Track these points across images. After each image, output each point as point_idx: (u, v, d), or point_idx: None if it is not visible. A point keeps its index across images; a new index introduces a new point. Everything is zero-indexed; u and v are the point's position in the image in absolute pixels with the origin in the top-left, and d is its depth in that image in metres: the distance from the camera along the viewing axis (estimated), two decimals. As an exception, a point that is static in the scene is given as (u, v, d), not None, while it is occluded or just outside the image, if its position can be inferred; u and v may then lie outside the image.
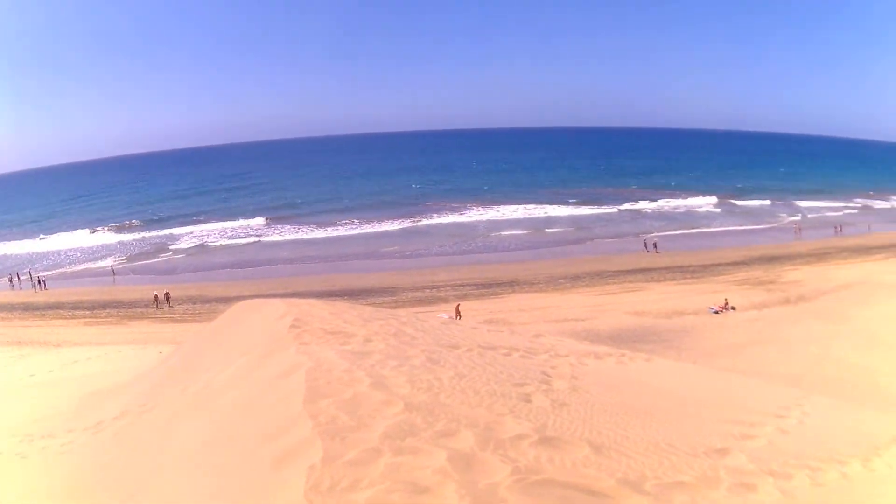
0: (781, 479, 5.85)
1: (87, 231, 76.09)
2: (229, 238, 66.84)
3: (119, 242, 68.75)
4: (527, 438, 5.09)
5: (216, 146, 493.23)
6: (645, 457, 5.50)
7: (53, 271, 55.79)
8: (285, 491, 3.83)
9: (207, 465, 5.29)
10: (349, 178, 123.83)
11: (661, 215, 75.72)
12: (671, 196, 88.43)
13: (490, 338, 10.81)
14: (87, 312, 38.86)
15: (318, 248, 59.38)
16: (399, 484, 3.84)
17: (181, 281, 48.17)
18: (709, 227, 67.95)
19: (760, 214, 75.98)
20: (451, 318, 25.61)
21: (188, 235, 68.97)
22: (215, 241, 65.75)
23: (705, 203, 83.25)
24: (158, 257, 59.72)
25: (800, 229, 64.61)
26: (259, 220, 74.54)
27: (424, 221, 71.69)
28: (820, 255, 49.29)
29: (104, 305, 40.68)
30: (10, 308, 41.46)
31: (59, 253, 65.38)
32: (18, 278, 51.92)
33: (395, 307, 33.31)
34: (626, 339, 25.47)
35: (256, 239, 65.65)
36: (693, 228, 66.73)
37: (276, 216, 76.66)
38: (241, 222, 74.26)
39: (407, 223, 70.30)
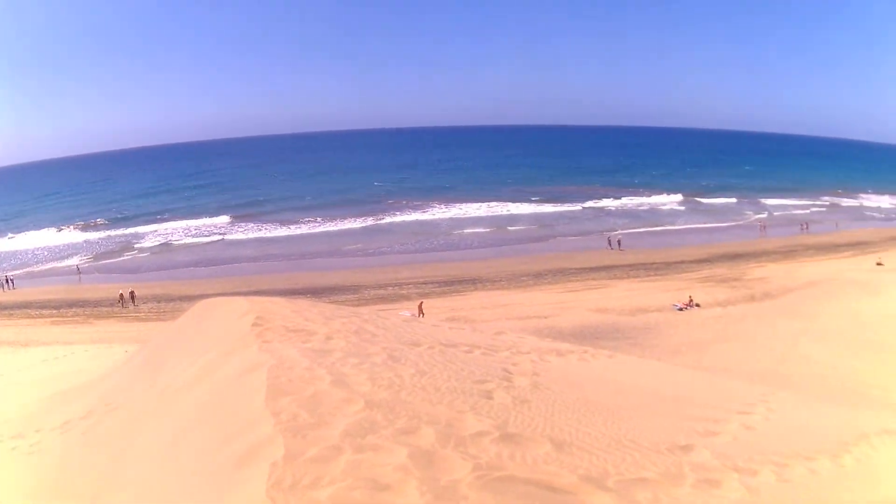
0: (746, 475, 5.90)
1: (54, 230, 76.68)
2: (193, 236, 67.43)
3: (85, 241, 69.49)
4: (488, 435, 5.09)
5: (186, 143, 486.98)
6: (607, 453, 5.52)
7: (21, 270, 56.17)
8: (248, 489, 3.85)
9: (172, 463, 5.36)
10: (313, 175, 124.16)
11: (625, 213, 76.92)
12: (635, 194, 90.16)
13: (451, 335, 10.81)
14: (55, 311, 39.58)
15: (282, 246, 60.00)
16: (360, 481, 3.86)
17: (146, 279, 48.78)
18: (673, 224, 69.34)
19: (726, 212, 77.69)
20: (413, 315, 25.63)
21: (153, 234, 69.73)
22: (179, 239, 66.41)
23: (670, 201, 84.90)
24: (123, 256, 60.35)
25: (765, 227, 66.06)
26: (223, 219, 74.98)
27: (387, 219, 72.16)
28: (786, 253, 50.48)
29: (71, 304, 41.22)
30: (-21, 309, 41.43)
31: (26, 252, 66.06)
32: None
33: (358, 305, 33.22)
34: (589, 336, 25.71)
35: (220, 237, 66.33)
36: (657, 226, 67.95)
37: (241, 214, 77.13)
38: (206, 220, 74.72)
39: (370, 221, 70.80)
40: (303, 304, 11.94)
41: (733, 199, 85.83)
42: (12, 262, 60.47)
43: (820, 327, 26.06)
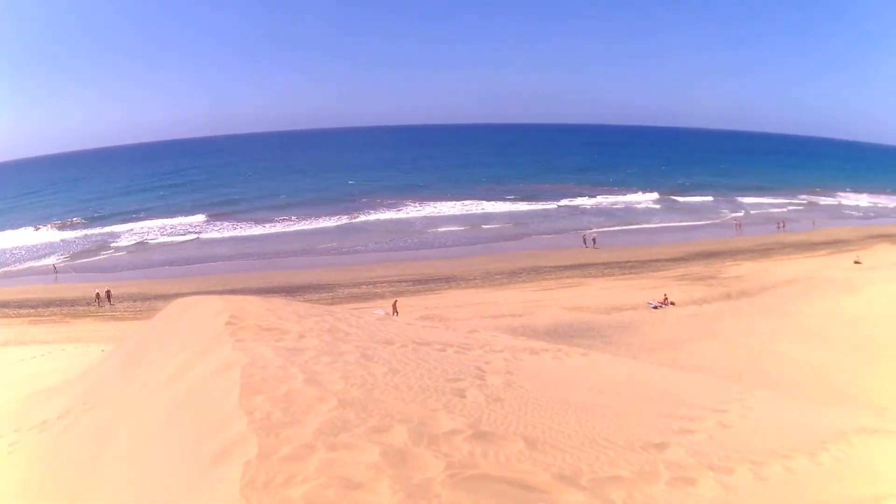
0: (722, 473, 5.95)
1: (31, 229, 76.04)
2: (169, 235, 67.19)
3: (62, 240, 68.86)
4: (461, 434, 5.12)
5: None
6: (581, 451, 5.55)
7: (-1, 270, 56.02)
8: (222, 487, 3.88)
9: (148, 462, 5.46)
10: (288, 174, 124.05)
11: (600, 211, 77.33)
12: (610, 192, 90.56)
13: (425, 334, 10.83)
14: (32, 311, 39.48)
15: (257, 244, 60.10)
16: (333, 479, 3.91)
17: (122, 279, 48.51)
18: (648, 223, 69.84)
19: (702, 211, 78.42)
20: (387, 314, 25.62)
21: (129, 233, 69.40)
22: (155, 238, 66.17)
23: (645, 199, 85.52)
24: (100, 255, 60.00)
25: (740, 225, 66.84)
26: (199, 217, 74.55)
27: (361, 218, 72.16)
28: (762, 251, 51.05)
29: (48, 304, 41.19)
30: (-43, 309, 41.31)
31: (3, 251, 65.32)
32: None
33: (332, 304, 33.14)
34: (563, 334, 25.85)
35: (196, 236, 66.07)
36: (632, 224, 68.43)
37: (216, 213, 76.85)
38: (181, 219, 74.23)
39: (344, 220, 70.81)
40: (277, 302, 12.01)
41: (710, 198, 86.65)
42: (-10, 261, 60.21)
43: (797, 325, 26.43)
